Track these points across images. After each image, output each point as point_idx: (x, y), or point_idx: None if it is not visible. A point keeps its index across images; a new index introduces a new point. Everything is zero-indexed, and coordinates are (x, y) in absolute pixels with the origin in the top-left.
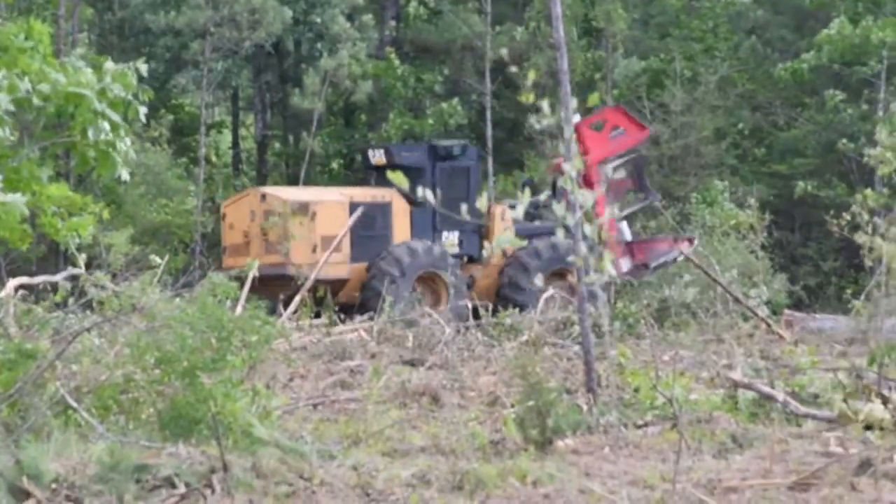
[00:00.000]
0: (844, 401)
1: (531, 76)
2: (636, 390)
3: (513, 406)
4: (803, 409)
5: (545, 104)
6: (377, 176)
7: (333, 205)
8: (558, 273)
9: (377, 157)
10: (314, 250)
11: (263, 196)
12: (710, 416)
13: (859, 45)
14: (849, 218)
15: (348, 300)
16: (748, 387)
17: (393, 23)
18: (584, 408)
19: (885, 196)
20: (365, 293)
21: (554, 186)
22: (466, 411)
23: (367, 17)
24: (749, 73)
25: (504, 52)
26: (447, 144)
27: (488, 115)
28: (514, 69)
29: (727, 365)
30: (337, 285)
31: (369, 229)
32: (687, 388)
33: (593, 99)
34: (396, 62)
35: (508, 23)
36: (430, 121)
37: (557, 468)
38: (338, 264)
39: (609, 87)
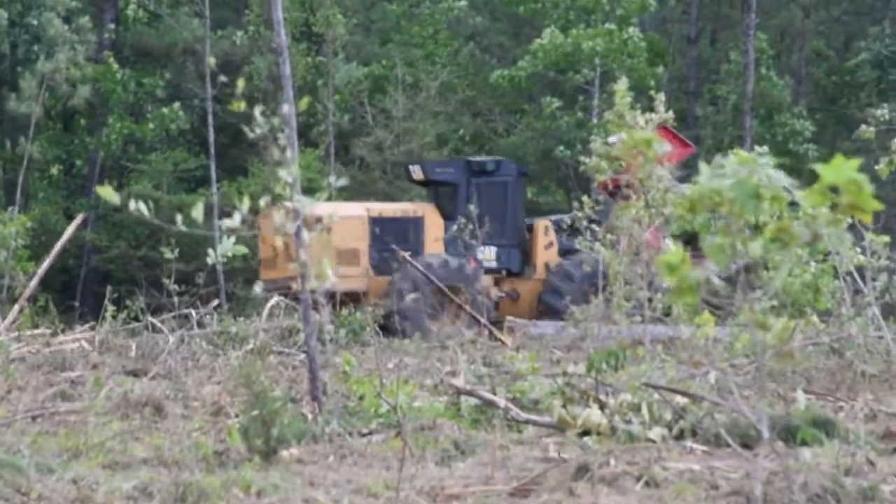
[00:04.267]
0: (563, 406)
1: (241, 85)
2: (361, 398)
3: (237, 416)
4: (524, 416)
5: (257, 112)
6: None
7: (351, 219)
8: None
9: (416, 172)
10: None
11: (287, 211)
12: (434, 423)
13: (572, 53)
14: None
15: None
16: (471, 393)
17: (112, 26)
18: (310, 416)
19: (601, 203)
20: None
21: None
22: (190, 422)
23: (85, 20)
24: (469, 80)
25: (212, 61)
26: (482, 160)
27: (210, 119)
28: (223, 79)
29: (450, 372)
30: (354, 298)
31: (398, 243)
32: (411, 396)
33: (303, 104)
34: (115, 66)
35: (229, 27)
36: (151, 125)
37: (282, 478)
38: (354, 277)
39: (331, 93)
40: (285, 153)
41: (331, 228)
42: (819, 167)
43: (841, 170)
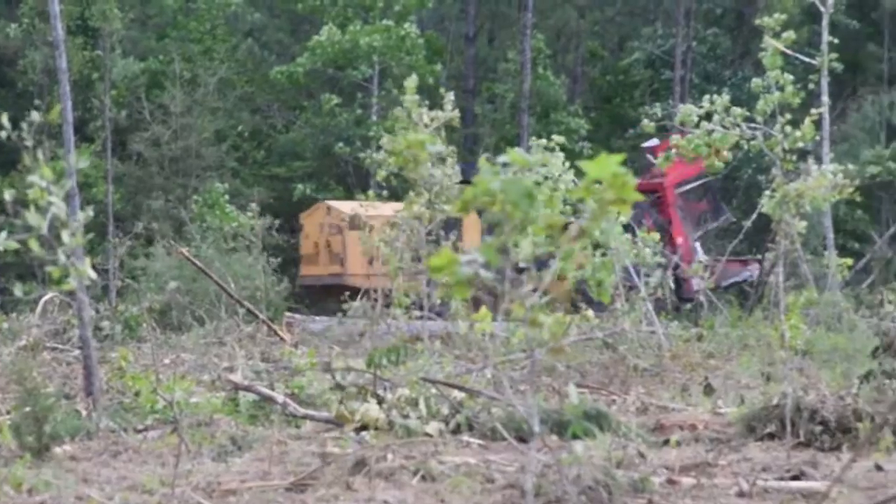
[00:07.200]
0: (341, 402)
1: None
2: (137, 394)
3: (9, 412)
4: (302, 411)
5: (5, 119)
6: None
7: (391, 218)
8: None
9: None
10: (370, 262)
11: (329, 209)
12: (211, 419)
13: (350, 49)
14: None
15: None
16: (248, 389)
17: None
18: (84, 413)
19: (383, 197)
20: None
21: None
22: None
23: None
24: (247, 76)
25: None
26: None
27: None
28: None
29: (228, 367)
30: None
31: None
32: (188, 392)
33: (54, 113)
34: None
35: (2, 19)
36: None
37: (54, 475)
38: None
39: (108, 88)
40: (37, 157)
41: (373, 227)
42: (584, 163)
43: (605, 165)
